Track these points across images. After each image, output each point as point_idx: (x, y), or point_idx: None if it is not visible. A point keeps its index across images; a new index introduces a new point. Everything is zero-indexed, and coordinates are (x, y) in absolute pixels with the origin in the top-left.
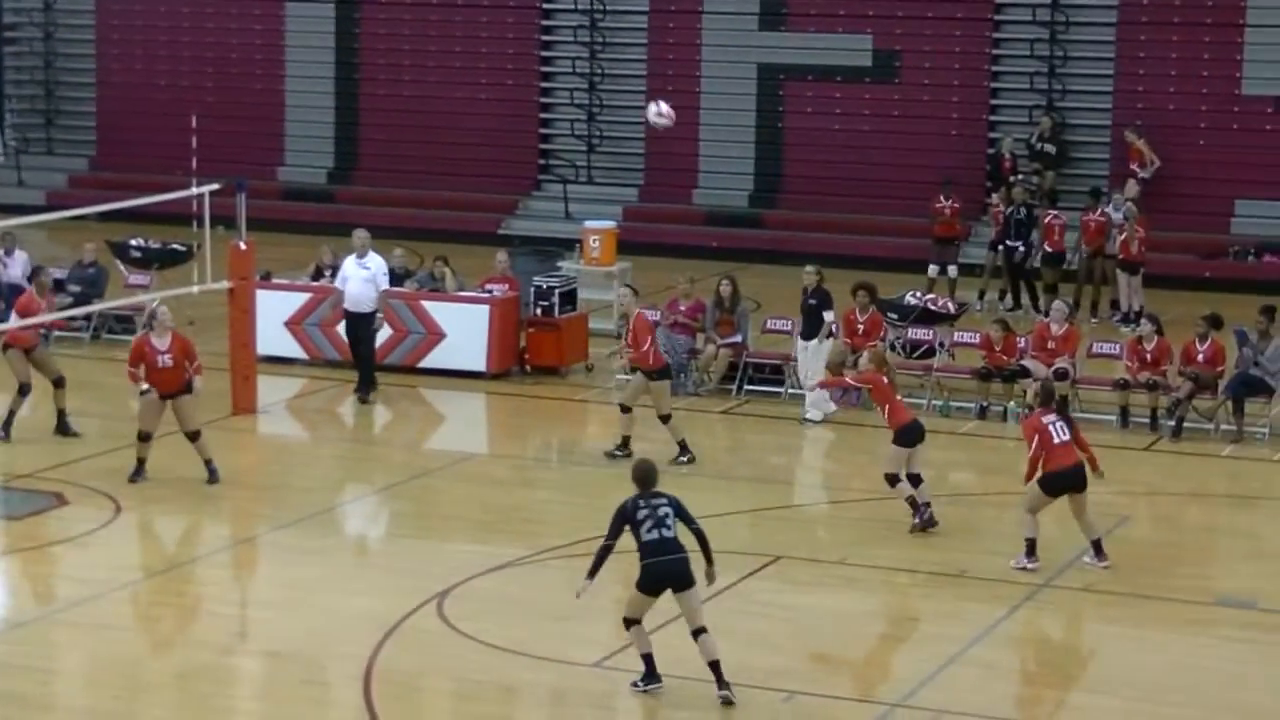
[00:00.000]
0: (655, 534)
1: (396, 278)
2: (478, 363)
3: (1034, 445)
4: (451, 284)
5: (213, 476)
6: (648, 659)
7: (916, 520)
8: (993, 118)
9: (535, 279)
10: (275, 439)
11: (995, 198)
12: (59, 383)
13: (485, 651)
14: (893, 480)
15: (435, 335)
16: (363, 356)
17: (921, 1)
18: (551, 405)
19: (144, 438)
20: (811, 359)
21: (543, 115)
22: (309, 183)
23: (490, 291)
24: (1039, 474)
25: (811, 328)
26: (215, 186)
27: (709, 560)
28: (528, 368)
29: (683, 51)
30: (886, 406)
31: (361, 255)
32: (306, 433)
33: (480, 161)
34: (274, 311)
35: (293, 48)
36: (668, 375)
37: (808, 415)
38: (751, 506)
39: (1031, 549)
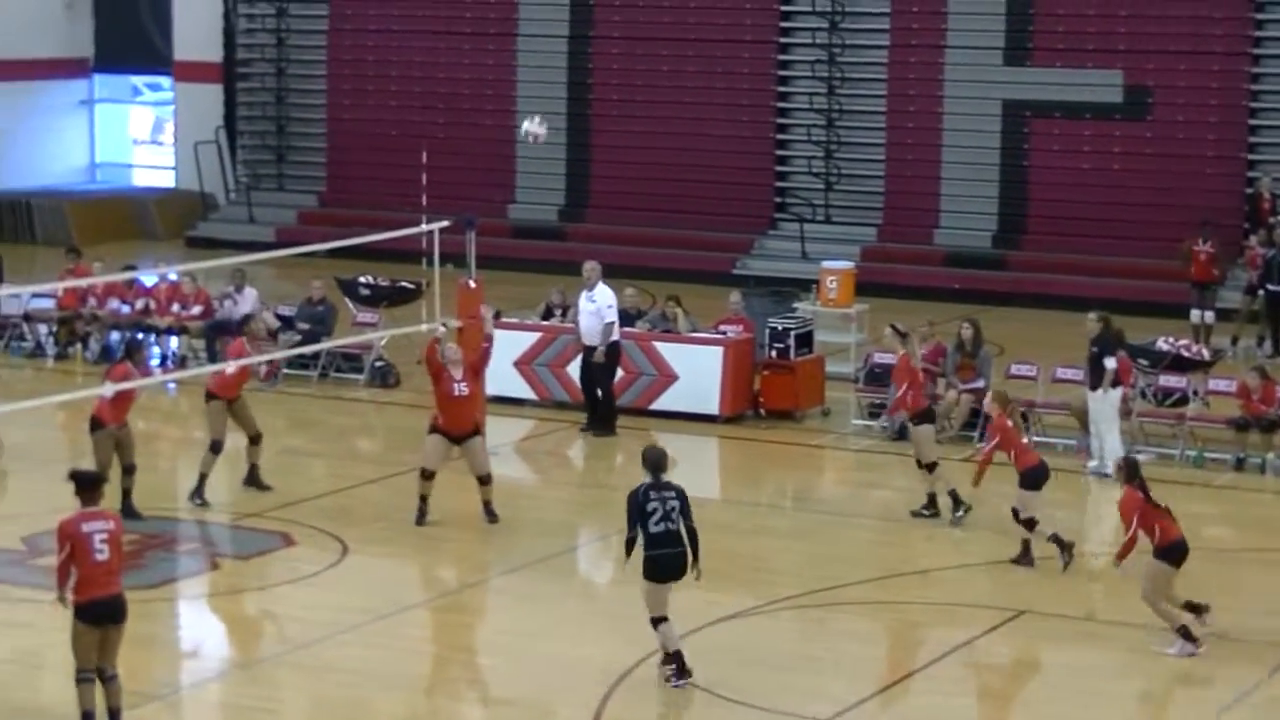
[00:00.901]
0: (662, 526)
1: (628, 317)
2: (710, 406)
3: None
4: (684, 325)
5: (491, 518)
6: (678, 655)
7: (1066, 559)
8: (1251, 156)
9: (770, 320)
10: (503, 481)
11: (1254, 239)
12: (255, 439)
13: (715, 703)
14: (1031, 524)
15: (667, 377)
16: (590, 392)
17: (1175, 36)
18: (786, 451)
19: (426, 475)
20: (1099, 408)
21: (779, 152)
22: (540, 220)
23: (724, 333)
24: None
25: (1097, 376)
26: (445, 223)
27: (696, 559)
28: (762, 412)
29: (924, 87)
30: (1013, 450)
31: (590, 288)
32: (535, 475)
33: (715, 199)
34: (503, 351)
35: (524, 82)
36: (930, 419)
37: (1097, 467)
38: (992, 558)
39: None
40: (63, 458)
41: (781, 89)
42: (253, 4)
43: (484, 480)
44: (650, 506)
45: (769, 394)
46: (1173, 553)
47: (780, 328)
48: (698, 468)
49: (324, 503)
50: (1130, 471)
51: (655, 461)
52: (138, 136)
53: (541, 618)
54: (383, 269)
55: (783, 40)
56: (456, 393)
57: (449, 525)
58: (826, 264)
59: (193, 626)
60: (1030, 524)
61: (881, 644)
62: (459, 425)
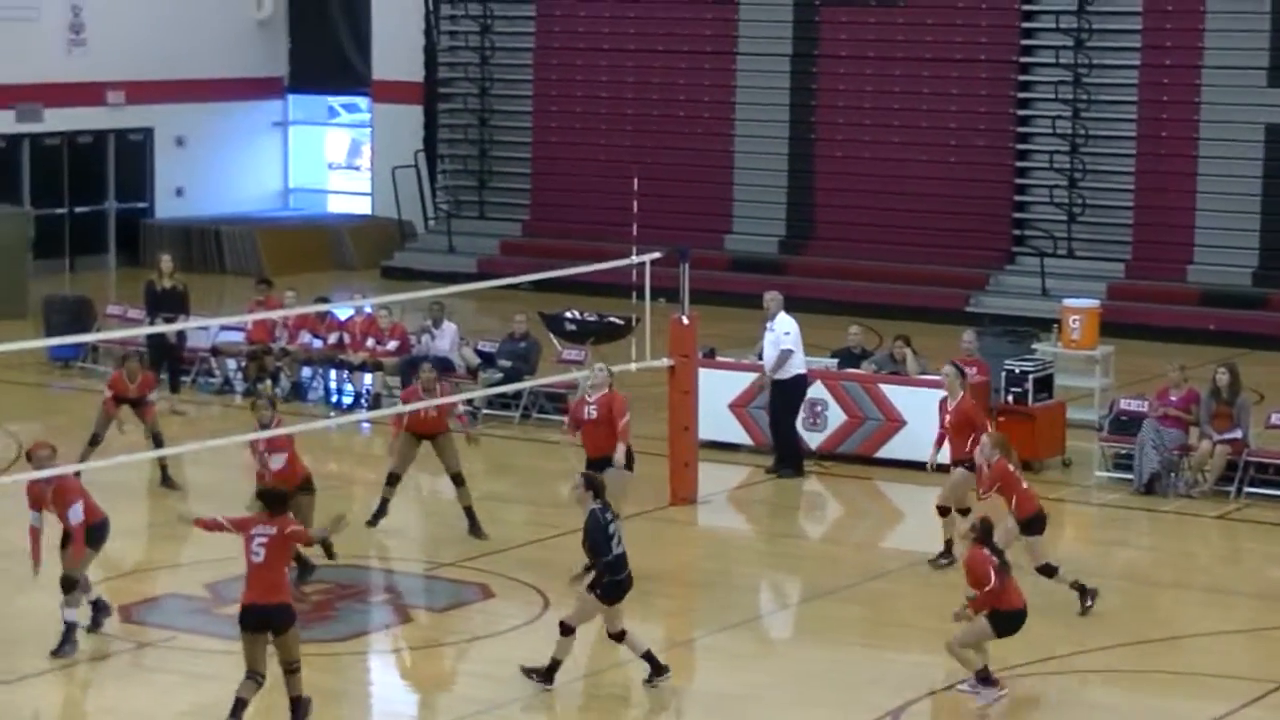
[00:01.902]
0: (621, 549)
1: (852, 357)
2: (941, 454)
3: None
4: (913, 366)
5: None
6: (555, 666)
7: (1088, 604)
8: None
9: (1007, 362)
10: (715, 532)
11: None
12: (458, 480)
13: None
14: (1051, 571)
15: (894, 422)
16: (773, 427)
17: None
18: None
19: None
20: None
21: (1018, 180)
22: (758, 252)
23: None
24: None
25: None
26: (657, 255)
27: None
28: None
29: (1178, 110)
30: (1014, 496)
31: (771, 318)
32: (750, 526)
33: (947, 231)
34: (717, 392)
35: (743, 105)
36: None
37: None
38: (1251, 626)
39: None
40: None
41: (1021, 112)
42: (456, 21)
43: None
44: (611, 529)
45: None
46: (1001, 620)
47: (1018, 370)
48: (927, 521)
49: (524, 552)
50: (983, 534)
51: (599, 486)
52: (333, 160)
53: (755, 679)
54: (590, 303)
55: (1024, 60)
56: (586, 416)
57: (660, 580)
58: (1069, 302)
59: (384, 683)
60: (1050, 571)
61: (1127, 717)
62: (594, 450)
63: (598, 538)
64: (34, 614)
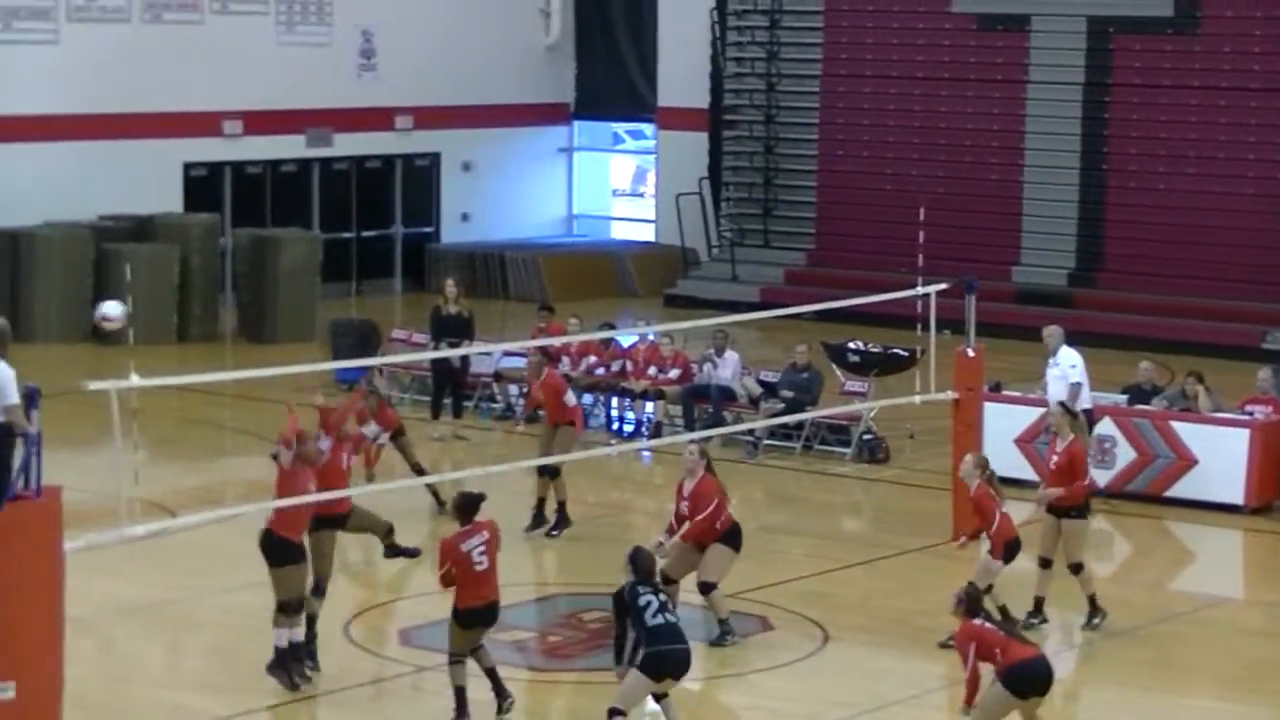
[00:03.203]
0: (661, 619)
1: (1142, 394)
2: (1234, 494)
3: None
4: (1205, 403)
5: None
6: None
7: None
8: None
9: None
10: (1005, 575)
11: None
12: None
13: None
14: (1078, 569)
15: (1185, 461)
16: None
17: None
18: None
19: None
20: None
21: None
22: (1047, 285)
23: (1251, 414)
24: None
25: None
26: (942, 286)
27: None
28: None
29: None
30: (993, 522)
31: (1053, 353)
32: (1034, 564)
33: (1244, 265)
34: (1004, 427)
35: (1033, 134)
36: (1086, 513)
37: None
38: None
39: None
40: (523, 524)
41: None
42: (742, 48)
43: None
44: (643, 600)
45: None
46: (1013, 677)
47: None
48: (1218, 563)
49: (804, 585)
50: (971, 605)
51: (647, 568)
52: (618, 187)
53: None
54: (874, 334)
55: None
56: (681, 510)
57: (942, 615)
58: None
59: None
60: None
61: None
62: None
63: (619, 610)
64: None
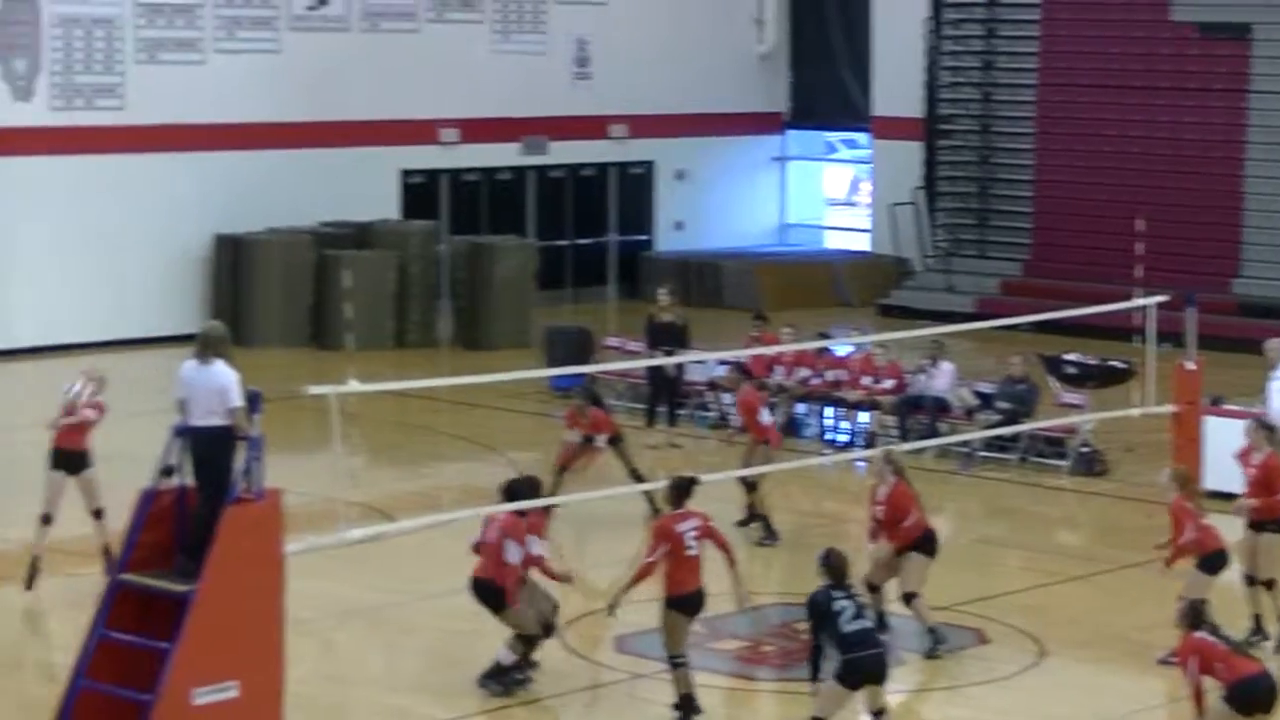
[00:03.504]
0: (856, 625)
1: None
2: None
3: None
4: None
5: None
6: None
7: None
8: None
9: None
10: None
11: None
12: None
13: None
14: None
15: None
16: None
17: None
18: None
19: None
20: None
21: None
22: (1270, 297)
23: None
24: None
25: None
26: (1162, 299)
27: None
28: None
29: None
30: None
31: (1273, 367)
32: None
33: None
34: (1224, 442)
35: (1255, 144)
36: None
37: None
38: None
39: None
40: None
41: None
42: (958, 57)
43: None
44: (837, 606)
45: None
46: (1237, 693)
47: None
48: None
49: (1021, 599)
50: (1193, 618)
51: (840, 570)
52: (832, 196)
53: None
54: (1091, 346)
55: None
56: (875, 515)
57: (1162, 630)
58: None
59: None
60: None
61: None
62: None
63: (813, 618)
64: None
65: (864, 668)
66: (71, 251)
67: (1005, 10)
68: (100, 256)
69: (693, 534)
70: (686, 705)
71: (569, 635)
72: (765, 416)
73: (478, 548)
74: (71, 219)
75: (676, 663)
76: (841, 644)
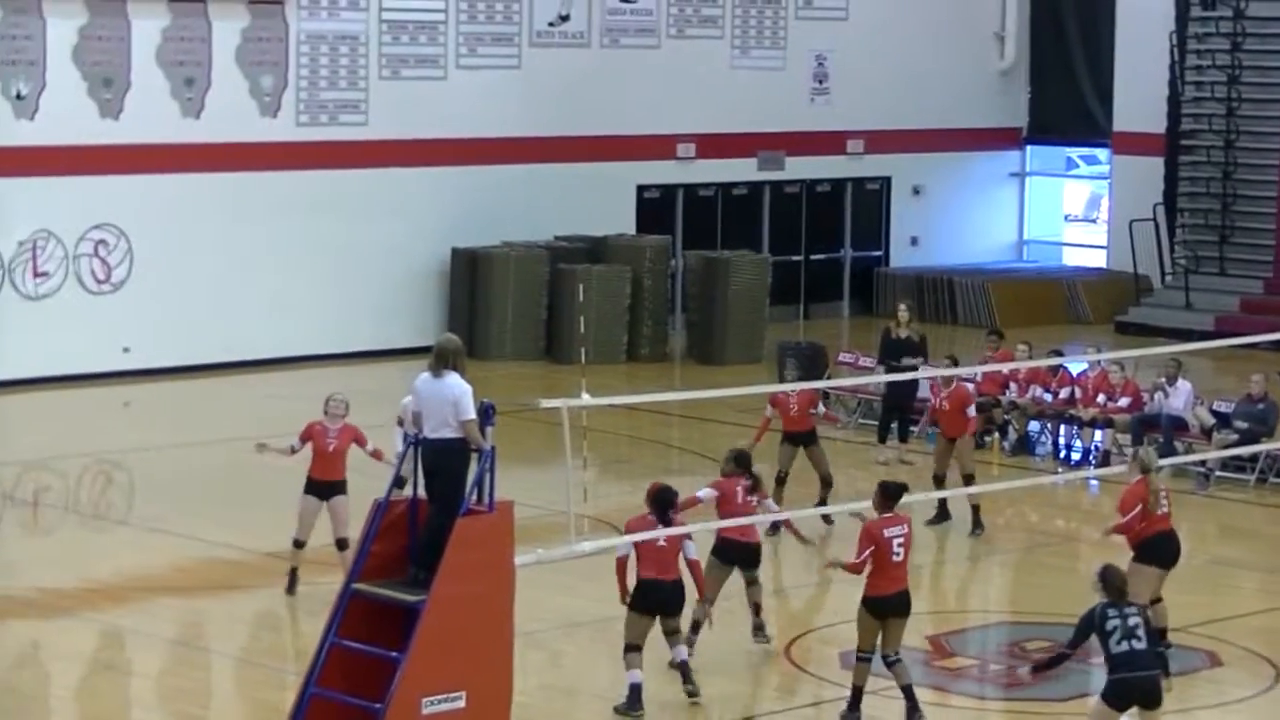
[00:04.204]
0: (1125, 646)
1: None
2: None
3: None
4: None
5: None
6: None
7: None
8: None
9: None
10: None
11: None
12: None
13: None
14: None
15: None
16: None
17: None
18: None
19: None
20: None
21: None
22: None
23: None
24: None
25: None
26: None
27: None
28: None
29: None
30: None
31: None
32: None
33: None
34: None
35: None
36: None
37: None
38: None
39: None
40: (968, 554)
41: None
42: (1202, 72)
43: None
44: (1110, 625)
45: None
46: None
47: None
48: None
49: (1255, 621)
50: None
51: (1118, 586)
52: (1070, 213)
53: None
54: None
55: None
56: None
57: None
58: None
59: None
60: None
61: None
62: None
63: (1079, 628)
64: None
65: (1130, 691)
66: (312, 264)
67: (1252, 24)
68: (340, 269)
69: (899, 539)
70: (855, 696)
71: (795, 651)
72: (971, 411)
73: (623, 560)
74: (313, 232)
75: (860, 657)
76: (1110, 664)
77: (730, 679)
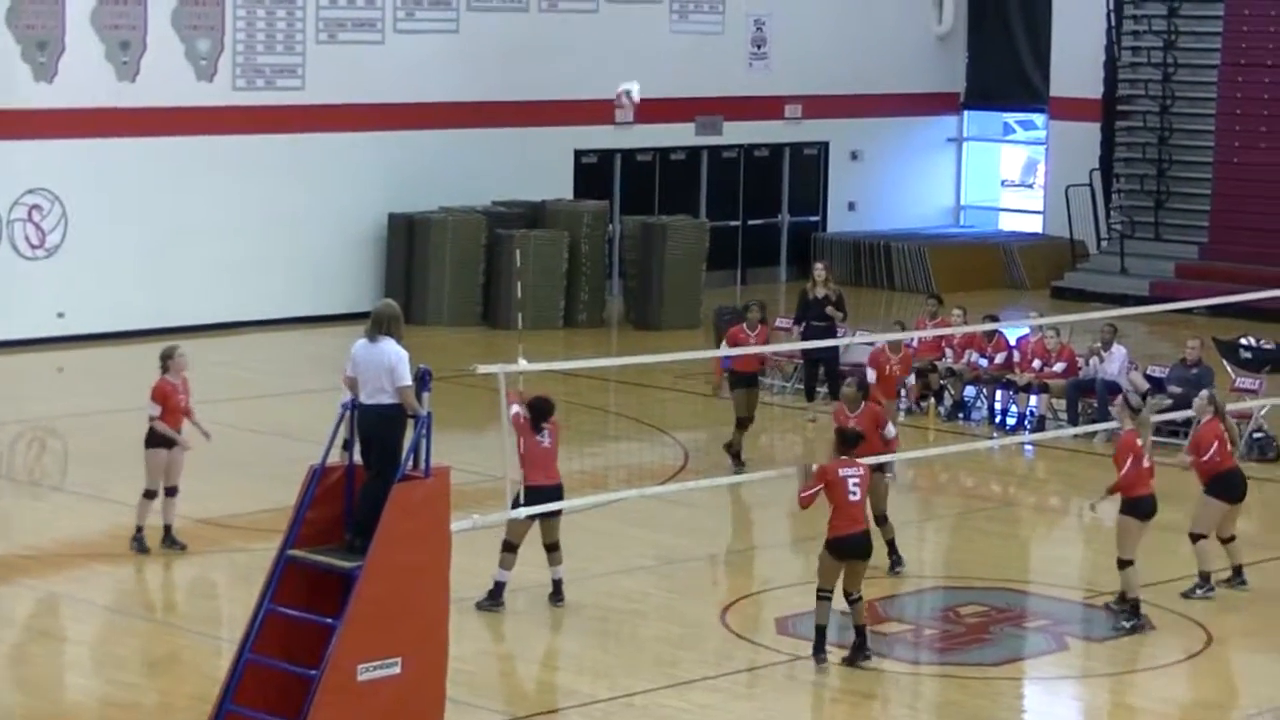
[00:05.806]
0: None
1: None
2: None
3: None
4: None
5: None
6: None
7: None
8: None
9: None
10: None
11: None
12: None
13: None
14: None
15: None
16: None
17: None
18: None
19: None
20: None
21: None
22: None
23: None
24: None
25: None
26: None
27: None
28: None
29: None
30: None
31: None
32: None
33: None
34: None
35: None
36: None
37: None
38: None
39: None
40: (903, 519)
41: None
42: (1139, 37)
43: None
44: None
45: None
46: None
47: None
48: None
49: (1187, 585)
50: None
51: None
52: (1007, 178)
53: None
54: (1267, 330)
55: None
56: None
57: None
58: None
59: (1037, 711)
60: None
61: None
62: None
63: None
64: (699, 623)
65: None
66: (249, 229)
67: None
68: (277, 234)
69: (855, 480)
70: (820, 637)
71: (730, 617)
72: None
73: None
74: (250, 197)
75: (820, 595)
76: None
77: (666, 644)
